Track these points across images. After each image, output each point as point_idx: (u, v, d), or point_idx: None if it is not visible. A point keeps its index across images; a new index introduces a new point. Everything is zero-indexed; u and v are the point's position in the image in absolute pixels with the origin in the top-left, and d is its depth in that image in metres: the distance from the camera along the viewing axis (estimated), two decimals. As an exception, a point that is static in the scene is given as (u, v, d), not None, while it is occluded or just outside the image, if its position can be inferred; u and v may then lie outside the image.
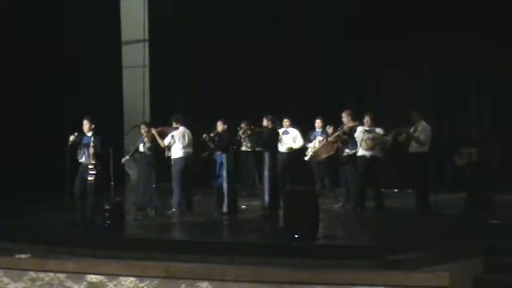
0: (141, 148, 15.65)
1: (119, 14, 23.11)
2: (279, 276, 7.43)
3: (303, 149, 17.16)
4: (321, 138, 16.42)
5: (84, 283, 8.00)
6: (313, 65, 19.48)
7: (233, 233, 13.79)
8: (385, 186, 16.20)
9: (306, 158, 16.79)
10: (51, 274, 8.21)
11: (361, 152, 14.91)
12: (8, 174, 18.04)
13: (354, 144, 15.05)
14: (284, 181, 16.34)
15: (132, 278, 7.82)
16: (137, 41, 23.40)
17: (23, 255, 10.09)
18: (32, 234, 12.86)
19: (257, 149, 16.10)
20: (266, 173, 14.78)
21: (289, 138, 17.37)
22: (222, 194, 14.94)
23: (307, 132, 17.09)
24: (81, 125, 14.18)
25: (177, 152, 15.18)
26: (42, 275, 8.25)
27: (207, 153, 15.46)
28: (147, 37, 23.40)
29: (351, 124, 15.10)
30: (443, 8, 17.85)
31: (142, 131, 15.59)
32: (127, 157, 16.38)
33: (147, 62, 23.36)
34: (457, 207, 14.15)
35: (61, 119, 18.53)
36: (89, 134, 14.10)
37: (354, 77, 19.86)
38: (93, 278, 7.98)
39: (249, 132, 15.56)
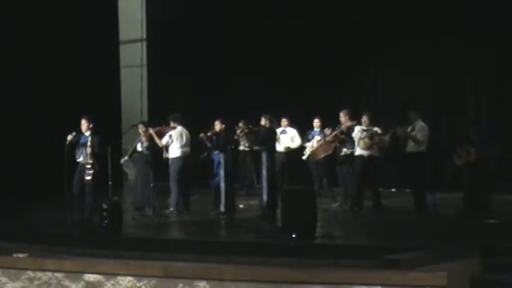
0: (139, 148, 15.66)
1: (117, 14, 23.10)
2: (276, 276, 7.43)
3: (301, 149, 17.16)
4: (319, 137, 16.41)
5: (82, 282, 8.00)
6: (312, 64, 19.48)
7: (231, 233, 13.79)
8: (382, 186, 16.19)
9: (304, 158, 16.79)
10: (49, 273, 8.21)
11: (358, 151, 14.91)
12: (8, 174, 18.02)
13: (351, 143, 15.04)
14: (282, 180, 16.34)
15: (129, 278, 7.83)
16: (135, 41, 23.39)
17: (20, 255, 10.08)
18: (30, 234, 12.86)
19: (255, 148, 16.09)
20: (264, 172, 14.78)
21: (287, 138, 17.39)
22: (220, 193, 14.94)
23: (305, 132, 17.08)
24: (79, 124, 14.18)
25: (174, 151, 15.18)
26: (40, 274, 8.26)
27: (206, 154, 15.45)
28: (145, 36, 23.38)
29: (348, 124, 15.10)
30: (443, 8, 17.84)
31: (140, 130, 15.60)
32: (126, 157, 16.38)
33: (145, 62, 23.35)
34: (455, 207, 14.15)
35: (59, 118, 18.52)
36: (87, 133, 14.10)
37: (352, 77, 19.88)
38: (91, 277, 7.99)
39: (246, 131, 15.56)
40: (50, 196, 16.11)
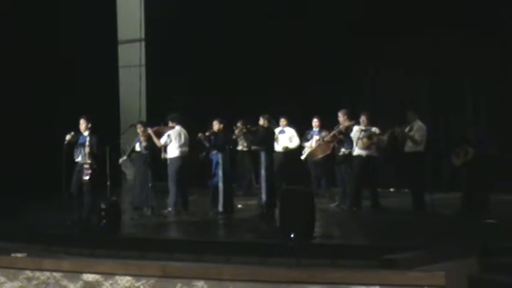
0: (138, 147, 15.66)
1: (115, 14, 23.10)
2: (275, 276, 7.44)
3: (299, 149, 17.16)
4: (317, 137, 16.41)
5: (80, 282, 8.00)
6: (312, 64, 19.48)
7: (229, 233, 13.80)
8: (381, 186, 16.21)
9: (303, 158, 16.78)
10: (47, 273, 8.21)
11: (357, 151, 14.92)
12: (8, 174, 18.02)
13: (349, 143, 15.05)
14: (280, 180, 16.34)
15: (128, 277, 7.82)
16: (134, 41, 23.39)
17: (19, 254, 10.08)
18: (28, 234, 12.85)
19: (253, 148, 16.10)
20: (263, 172, 14.79)
21: (286, 138, 17.40)
22: (218, 193, 14.94)
23: (304, 132, 17.07)
24: (78, 124, 14.18)
25: (173, 151, 15.17)
26: (38, 274, 8.25)
27: (204, 154, 15.46)
28: (143, 36, 23.38)
29: (347, 123, 15.11)
30: (443, 8, 17.84)
31: (139, 130, 15.60)
32: (124, 157, 16.38)
33: (143, 62, 23.36)
34: (453, 207, 14.16)
35: (59, 118, 18.52)
36: (86, 133, 14.11)
37: (352, 77, 19.90)
38: (89, 277, 7.99)
39: (244, 130, 15.57)
40: (50, 196, 16.11)
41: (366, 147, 14.85)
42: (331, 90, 19.39)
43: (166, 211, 15.05)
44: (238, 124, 15.76)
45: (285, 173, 17.09)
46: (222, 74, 20.72)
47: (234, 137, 15.90)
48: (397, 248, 9.78)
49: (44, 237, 12.59)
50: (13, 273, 8.36)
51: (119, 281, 7.84)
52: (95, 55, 20.85)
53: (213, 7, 21.10)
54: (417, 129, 14.37)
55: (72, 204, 14.00)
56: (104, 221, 13.26)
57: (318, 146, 16.07)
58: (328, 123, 16.02)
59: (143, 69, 23.30)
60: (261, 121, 15.56)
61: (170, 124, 15.38)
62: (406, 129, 14.38)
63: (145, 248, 11.58)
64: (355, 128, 14.99)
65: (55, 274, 8.16)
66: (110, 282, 7.88)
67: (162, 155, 15.31)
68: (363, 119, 15.04)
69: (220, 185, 14.88)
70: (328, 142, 15.67)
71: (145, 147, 15.36)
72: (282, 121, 17.47)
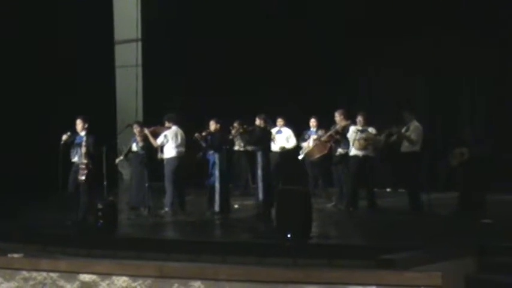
0: (134, 147, 15.65)
1: (112, 14, 23.09)
2: (271, 276, 7.43)
3: (296, 149, 17.16)
4: (315, 137, 16.40)
5: (77, 282, 8.00)
6: (312, 64, 19.47)
7: (226, 233, 13.80)
8: (377, 186, 16.23)
9: (300, 158, 16.78)
10: (44, 273, 8.21)
11: (353, 151, 14.93)
12: (8, 174, 18.01)
13: (346, 143, 15.06)
14: (277, 180, 16.33)
15: (125, 278, 7.82)
16: (130, 41, 23.37)
17: (15, 255, 10.08)
18: (25, 234, 12.84)
19: (250, 148, 16.10)
20: (259, 172, 14.78)
21: (283, 138, 17.40)
22: (214, 193, 14.94)
23: (302, 132, 17.06)
24: (74, 124, 14.18)
25: (169, 151, 15.17)
26: (34, 274, 8.25)
27: (201, 154, 15.46)
28: (140, 37, 23.37)
29: (343, 123, 15.12)
30: (443, 8, 17.84)
31: (135, 130, 15.59)
32: (121, 157, 16.37)
33: (140, 62, 23.34)
34: (449, 207, 14.17)
35: (58, 118, 18.49)
36: (82, 133, 14.11)
37: (352, 77, 19.90)
38: (86, 277, 7.98)
39: (241, 131, 15.57)
40: (49, 196, 16.11)
41: (362, 148, 14.85)
42: (330, 90, 19.40)
43: (163, 211, 15.04)
44: (235, 124, 15.76)
45: (282, 173, 17.09)
46: (219, 74, 20.70)
47: (230, 137, 15.90)
48: (393, 248, 9.79)
49: (40, 237, 12.59)
50: (10, 274, 8.35)
51: (116, 281, 7.84)
52: (91, 55, 20.84)
53: (210, 7, 21.08)
54: (413, 129, 14.39)
55: (71, 204, 13.99)
56: (101, 221, 13.25)
57: (315, 146, 16.07)
58: (327, 123, 16.00)
59: (140, 69, 23.29)
60: (257, 121, 15.57)
61: (167, 124, 15.37)
62: (403, 130, 14.39)
63: (142, 248, 11.58)
64: (352, 128, 15.00)
65: (52, 274, 8.16)
66: (107, 282, 7.87)
67: (158, 155, 15.31)
68: (359, 119, 15.04)
69: (217, 185, 14.88)
70: (325, 142, 15.67)
71: (142, 148, 15.36)
72: (279, 121, 17.47)
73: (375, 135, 14.87)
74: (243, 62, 20.24)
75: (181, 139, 15.25)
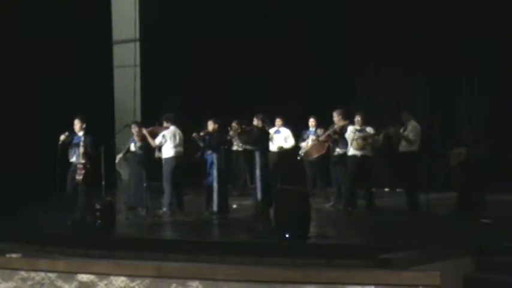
0: (132, 147, 15.65)
1: (110, 14, 23.07)
2: (270, 276, 7.44)
3: (295, 149, 17.16)
4: (313, 137, 16.40)
5: (75, 283, 8.00)
6: (312, 64, 19.46)
7: (224, 233, 13.79)
8: (376, 186, 16.22)
9: (299, 157, 16.77)
10: (42, 273, 8.22)
11: (351, 151, 14.92)
12: (8, 174, 17.99)
13: (344, 143, 15.05)
14: (275, 180, 16.34)
15: (123, 278, 7.83)
16: (128, 41, 23.35)
17: (14, 255, 10.08)
18: (23, 234, 12.83)
19: (248, 147, 16.09)
20: (258, 172, 14.77)
21: (281, 138, 17.41)
22: (212, 193, 14.93)
23: (301, 132, 17.05)
24: (72, 124, 14.17)
25: (168, 151, 15.16)
26: (33, 274, 8.26)
27: (199, 153, 15.45)
28: (138, 36, 23.35)
29: (341, 123, 15.11)
30: (443, 8, 17.82)
31: (133, 130, 15.58)
32: (120, 155, 16.34)
33: (138, 62, 23.31)
34: (448, 207, 14.16)
35: (54, 118, 18.49)
36: (80, 133, 14.10)
37: (350, 77, 19.88)
38: (84, 277, 7.99)
39: (239, 131, 15.57)
40: (49, 196, 16.10)
41: (360, 148, 14.85)
42: (330, 90, 19.37)
43: (161, 211, 15.03)
44: (233, 124, 15.75)
45: (280, 173, 17.09)
46: (218, 74, 20.68)
47: (228, 137, 15.90)
48: (392, 248, 9.79)
49: (39, 237, 12.57)
50: (8, 274, 8.37)
51: (114, 281, 7.84)
52: (89, 55, 20.82)
53: (208, 6, 21.06)
54: (411, 129, 14.39)
55: (70, 205, 13.98)
56: (99, 221, 13.23)
57: (313, 145, 16.06)
58: (327, 123, 15.97)
59: (138, 69, 23.25)
60: (255, 121, 15.56)
61: (165, 124, 15.36)
62: (401, 130, 14.39)
63: (140, 248, 11.57)
64: (350, 128, 14.99)
65: (50, 274, 8.17)
66: (105, 282, 7.88)
67: (156, 154, 15.29)
68: (357, 119, 15.03)
69: (215, 184, 14.87)
70: (323, 142, 15.66)
71: (140, 147, 15.34)
72: (278, 121, 17.48)
73: (373, 135, 14.87)
74: (242, 62, 20.21)
75: (180, 139, 15.24)
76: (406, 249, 9.77)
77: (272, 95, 19.21)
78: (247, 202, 16.03)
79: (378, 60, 19.44)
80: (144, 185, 14.91)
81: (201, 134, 15.12)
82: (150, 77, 22.98)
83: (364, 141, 14.82)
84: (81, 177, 13.85)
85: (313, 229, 11.93)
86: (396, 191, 17.43)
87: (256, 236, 12.37)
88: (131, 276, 7.80)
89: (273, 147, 16.98)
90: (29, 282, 8.25)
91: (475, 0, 17.75)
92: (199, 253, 11.01)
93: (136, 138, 15.48)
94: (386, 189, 18.40)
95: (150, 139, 15.19)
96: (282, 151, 17.36)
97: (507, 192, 15.63)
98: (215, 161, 14.94)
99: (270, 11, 20.12)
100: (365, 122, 15.05)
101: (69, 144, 14.10)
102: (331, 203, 15.64)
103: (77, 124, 14.14)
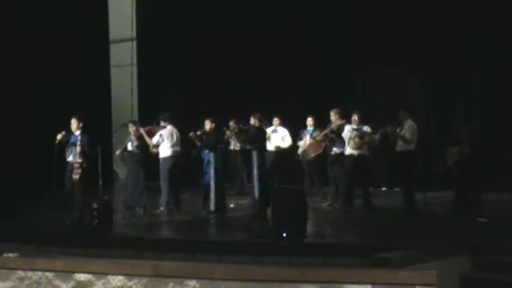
0: (129, 147, 15.64)
1: (107, 13, 23.07)
2: (267, 275, 7.45)
3: (292, 148, 17.17)
4: (311, 137, 16.39)
5: (73, 282, 8.01)
6: (312, 64, 19.46)
7: (221, 232, 13.80)
8: (373, 185, 16.23)
9: (298, 157, 16.78)
10: (40, 273, 8.22)
11: (349, 150, 14.92)
12: (6, 174, 17.99)
13: (341, 143, 15.06)
14: (272, 180, 16.34)
15: (120, 277, 7.83)
16: (125, 40, 23.35)
17: (11, 254, 10.08)
18: (21, 234, 12.83)
19: (247, 147, 16.09)
20: (255, 171, 14.77)
21: (278, 137, 17.43)
22: (209, 192, 14.94)
23: (299, 131, 17.04)
24: (69, 124, 14.18)
25: (165, 150, 15.16)
26: (30, 273, 8.26)
27: (196, 152, 15.46)
28: (135, 36, 23.35)
29: (338, 122, 15.12)
30: (443, 8, 17.81)
31: (130, 129, 15.57)
32: (118, 152, 16.33)
33: (135, 61, 23.32)
34: (445, 206, 14.17)
35: (54, 118, 18.48)
36: (77, 132, 14.10)
37: (350, 77, 19.88)
38: (81, 276, 7.99)
39: (236, 130, 15.57)
40: (47, 196, 16.09)
41: (357, 147, 14.85)
42: (330, 90, 19.36)
43: (158, 210, 15.04)
44: (231, 123, 15.75)
45: (277, 172, 17.10)
46: (215, 74, 20.67)
47: (226, 137, 15.91)
48: (389, 247, 9.80)
49: (36, 237, 12.57)
50: (5, 273, 8.36)
51: (111, 281, 7.85)
52: (86, 54, 20.81)
53: (206, 6, 21.05)
54: (408, 128, 14.41)
55: (68, 204, 13.98)
56: (96, 220, 13.25)
57: (310, 145, 16.06)
58: (326, 123, 15.97)
59: (135, 68, 23.26)
60: (252, 120, 15.58)
61: (162, 123, 15.37)
62: (398, 129, 14.41)
63: (138, 247, 11.58)
64: (347, 128, 14.99)
65: (47, 274, 8.17)
66: (102, 281, 7.88)
67: (151, 149, 15.23)
68: (354, 118, 15.03)
69: (212, 184, 14.88)
70: (320, 141, 15.67)
71: (137, 147, 15.33)
72: (275, 120, 17.50)
73: (370, 134, 14.88)
74: (240, 61, 20.20)
75: (177, 138, 15.25)
76: (403, 249, 9.78)
77: (271, 95, 19.21)
78: (245, 201, 16.04)
79: (377, 60, 19.42)
80: (142, 184, 14.91)
81: (198, 133, 15.13)
82: (147, 76, 22.98)
83: (361, 140, 14.82)
84: (77, 176, 13.85)
85: (310, 228, 11.94)
86: (393, 190, 17.43)
87: (253, 235, 12.37)
88: (129, 275, 7.80)
89: (271, 146, 16.98)
90: (26, 282, 8.25)
91: (475, 0, 17.75)
92: (197, 252, 11.02)
93: (133, 137, 15.47)
94: (384, 189, 18.40)
95: (147, 138, 15.19)
96: (279, 150, 17.38)
97: (504, 191, 15.66)
98: (212, 160, 14.95)
99: (270, 11, 20.10)
100: (362, 121, 15.05)
101: (66, 143, 14.10)
102: (329, 202, 15.65)
103: (74, 123, 14.14)
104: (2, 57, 19.05)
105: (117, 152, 16.14)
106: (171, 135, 15.19)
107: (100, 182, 14.41)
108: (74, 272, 8.02)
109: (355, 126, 14.93)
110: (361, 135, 14.81)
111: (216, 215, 14.66)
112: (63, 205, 14.09)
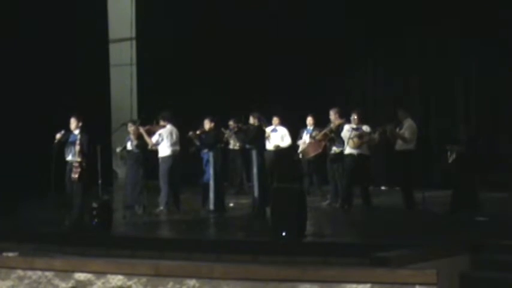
0: (129, 146, 15.63)
1: (106, 12, 23.05)
2: (266, 274, 7.45)
3: (291, 147, 17.17)
4: (310, 136, 16.39)
5: (72, 281, 8.01)
6: (312, 64, 19.45)
7: (221, 231, 13.79)
8: (372, 184, 16.22)
9: (298, 156, 16.77)
10: (39, 272, 8.22)
11: (348, 150, 14.91)
12: (6, 173, 17.98)
13: (341, 142, 15.06)
14: (271, 179, 16.35)
15: (120, 276, 7.83)
16: (125, 39, 23.33)
17: (10, 254, 10.08)
18: (21, 233, 12.82)
19: (246, 146, 16.09)
20: (254, 170, 14.77)
21: (278, 137, 17.43)
22: (208, 190, 14.94)
23: (299, 131, 17.04)
24: (68, 123, 14.17)
25: (164, 150, 15.16)
26: (30, 273, 8.26)
27: (194, 149, 15.45)
28: (134, 35, 23.33)
29: (337, 122, 15.13)
30: (443, 7, 17.81)
31: (130, 129, 15.57)
32: (118, 149, 16.32)
33: (134, 60, 23.30)
34: (444, 205, 14.18)
35: (53, 118, 18.47)
36: (76, 131, 14.09)
37: (349, 76, 19.88)
38: (81, 276, 7.99)
39: (235, 129, 15.57)
40: (48, 195, 16.07)
41: (357, 146, 14.85)
42: (330, 90, 19.35)
43: (157, 210, 15.03)
44: (230, 122, 15.75)
45: (277, 171, 17.10)
46: (214, 73, 20.65)
47: (225, 136, 15.91)
48: (388, 246, 9.81)
49: (36, 236, 12.57)
50: (5, 273, 8.36)
51: (111, 280, 7.85)
52: (86, 54, 20.80)
53: (205, 5, 21.03)
54: (407, 127, 14.42)
55: (68, 203, 13.97)
56: (96, 220, 13.22)
57: (309, 144, 16.07)
58: (326, 122, 15.97)
59: (134, 68, 23.24)
60: (251, 120, 15.58)
61: (161, 123, 15.37)
62: (397, 128, 14.41)
63: (137, 246, 11.58)
64: (346, 127, 14.99)
65: (47, 273, 8.17)
66: (102, 281, 7.88)
67: (150, 146, 15.20)
68: (353, 117, 15.03)
69: (211, 183, 14.87)
70: (319, 141, 15.67)
71: (137, 146, 15.33)
72: (275, 120, 17.50)
73: (369, 133, 14.88)
74: (239, 60, 20.18)
75: (176, 138, 15.25)
76: (402, 248, 9.78)
77: (271, 94, 19.20)
78: (244, 200, 16.04)
79: (377, 59, 19.44)
80: (141, 183, 14.91)
81: (197, 132, 15.13)
82: (147, 75, 22.96)
83: (361, 139, 14.82)
84: (76, 175, 13.84)
85: (309, 227, 11.93)
86: (393, 189, 17.43)
87: (252, 234, 12.38)
88: (128, 274, 7.80)
89: (270, 145, 16.99)
90: (26, 281, 8.25)
91: (475, 0, 17.74)
92: (196, 251, 11.02)
93: (132, 136, 15.46)
94: (383, 188, 18.42)
95: (146, 137, 15.18)
96: (278, 150, 17.38)
97: (502, 190, 15.67)
98: (211, 159, 14.95)
99: (269, 10, 20.08)
100: (361, 121, 15.05)
101: (65, 142, 14.09)
102: (328, 202, 15.65)
103: (73, 122, 14.12)
104: (1, 57, 19.02)
105: (117, 150, 16.13)
106: (171, 134, 15.19)
107: (99, 181, 14.41)
108: (73, 272, 8.03)
109: (354, 126, 14.92)
110: (360, 135, 14.80)
111: (216, 214, 14.66)
112: (62, 204, 14.09)
